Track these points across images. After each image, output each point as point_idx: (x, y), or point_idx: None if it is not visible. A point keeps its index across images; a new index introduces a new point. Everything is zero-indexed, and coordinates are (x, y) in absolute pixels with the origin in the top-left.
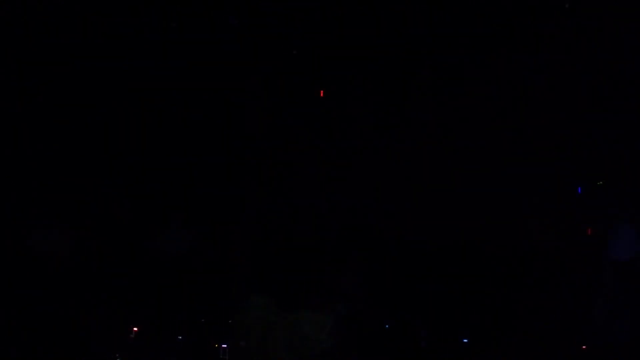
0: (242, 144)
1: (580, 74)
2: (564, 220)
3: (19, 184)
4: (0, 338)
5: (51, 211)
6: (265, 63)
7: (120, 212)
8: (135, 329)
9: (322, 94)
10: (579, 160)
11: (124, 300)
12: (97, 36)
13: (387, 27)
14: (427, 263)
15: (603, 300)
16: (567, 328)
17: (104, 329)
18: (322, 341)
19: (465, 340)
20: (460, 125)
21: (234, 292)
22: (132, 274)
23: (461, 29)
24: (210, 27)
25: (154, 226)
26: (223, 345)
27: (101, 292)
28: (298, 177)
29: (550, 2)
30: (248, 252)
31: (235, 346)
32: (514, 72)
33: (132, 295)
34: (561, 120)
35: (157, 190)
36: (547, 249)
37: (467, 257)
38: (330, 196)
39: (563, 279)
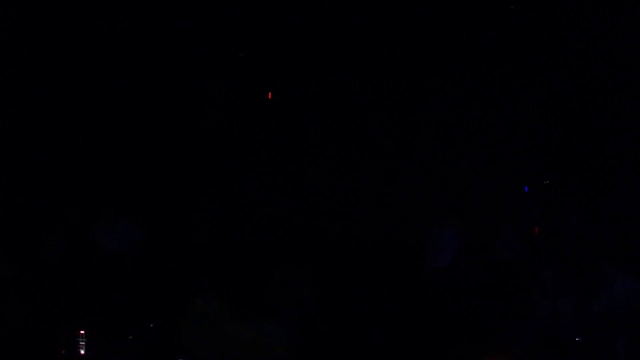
0: (196, 143)
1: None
2: (511, 219)
3: None
4: None
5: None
6: (214, 65)
7: (67, 211)
8: (82, 331)
9: (270, 96)
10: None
11: (72, 302)
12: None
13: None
14: (378, 264)
15: (545, 296)
16: (516, 325)
17: (50, 331)
18: (277, 353)
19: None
20: (408, 127)
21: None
22: (81, 274)
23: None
24: (160, 29)
25: (106, 226)
26: None
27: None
28: (249, 182)
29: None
30: (199, 258)
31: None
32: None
33: (82, 297)
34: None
35: (110, 192)
36: (493, 248)
37: (415, 257)
38: (281, 201)
39: (510, 278)
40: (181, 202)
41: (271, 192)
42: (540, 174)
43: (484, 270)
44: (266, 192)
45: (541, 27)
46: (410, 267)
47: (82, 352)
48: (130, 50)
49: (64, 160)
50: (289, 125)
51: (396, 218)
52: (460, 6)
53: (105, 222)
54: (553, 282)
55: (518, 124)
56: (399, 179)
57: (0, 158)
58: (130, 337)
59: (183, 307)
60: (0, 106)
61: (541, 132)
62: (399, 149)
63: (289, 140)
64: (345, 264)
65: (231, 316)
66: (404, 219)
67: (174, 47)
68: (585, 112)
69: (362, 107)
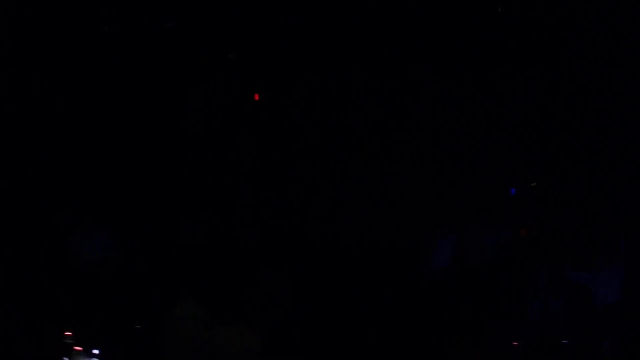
0: (173, 145)
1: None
2: (497, 221)
3: None
4: None
5: None
6: (201, 66)
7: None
8: (68, 333)
9: (257, 97)
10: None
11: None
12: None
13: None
14: (372, 266)
15: (535, 297)
16: (499, 325)
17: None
18: (251, 357)
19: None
20: (389, 127)
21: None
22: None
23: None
24: (146, 29)
25: (83, 230)
26: None
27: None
28: (238, 185)
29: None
30: (177, 261)
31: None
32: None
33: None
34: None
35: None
36: (479, 248)
37: (398, 257)
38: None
39: (497, 278)
40: (163, 205)
41: (264, 196)
42: (538, 175)
43: (477, 271)
44: (258, 195)
45: (541, 27)
46: (404, 270)
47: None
48: (122, 52)
49: (47, 163)
50: (285, 127)
51: (391, 221)
52: (460, 6)
53: (85, 227)
54: (545, 283)
55: (518, 125)
56: (395, 180)
57: None
58: (117, 338)
59: (165, 310)
60: None
61: (539, 133)
62: (396, 151)
63: (285, 142)
64: (339, 267)
65: (211, 320)
66: (398, 222)
67: (173, 48)
68: (585, 113)
69: (360, 108)
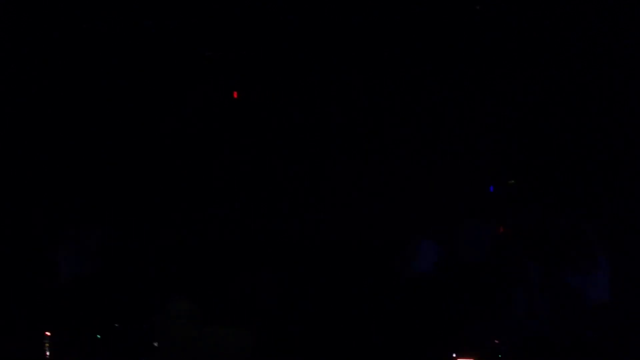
0: (161, 144)
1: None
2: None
3: None
4: None
5: None
6: (180, 65)
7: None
8: (48, 333)
9: (235, 95)
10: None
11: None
12: None
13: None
14: (356, 269)
15: (524, 297)
16: (480, 322)
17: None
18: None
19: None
20: (369, 124)
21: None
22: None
23: None
24: (125, 29)
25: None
26: None
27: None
28: (219, 184)
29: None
30: (170, 259)
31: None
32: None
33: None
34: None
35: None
36: (468, 247)
37: (383, 257)
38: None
39: (486, 277)
40: (153, 202)
41: (256, 195)
42: (538, 174)
43: (463, 272)
44: (250, 194)
45: (541, 27)
46: (389, 273)
47: (48, 353)
48: (112, 51)
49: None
50: (284, 127)
51: (383, 220)
52: (460, 6)
53: (74, 229)
54: (534, 283)
55: (518, 126)
56: (383, 182)
57: None
58: (98, 337)
59: (153, 308)
60: None
61: (538, 133)
62: (393, 150)
63: (282, 142)
64: (332, 267)
65: (203, 318)
66: (391, 221)
67: (172, 48)
68: (583, 113)
69: (359, 108)
